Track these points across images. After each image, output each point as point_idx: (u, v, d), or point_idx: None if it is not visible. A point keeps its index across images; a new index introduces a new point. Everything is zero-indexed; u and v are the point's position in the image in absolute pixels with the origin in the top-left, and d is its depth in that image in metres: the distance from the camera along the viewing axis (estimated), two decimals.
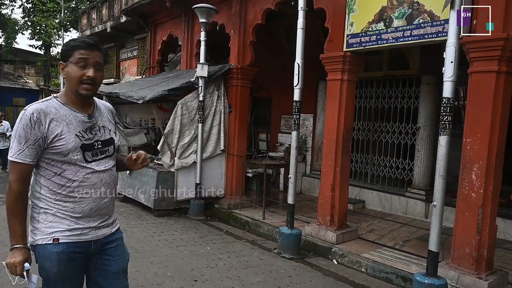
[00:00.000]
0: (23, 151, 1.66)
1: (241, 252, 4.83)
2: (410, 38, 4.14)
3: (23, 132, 1.65)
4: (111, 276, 1.90)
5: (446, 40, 3.26)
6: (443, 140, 3.28)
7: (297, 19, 4.57)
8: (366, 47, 4.55)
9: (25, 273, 1.70)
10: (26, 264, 1.70)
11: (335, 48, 4.82)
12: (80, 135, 1.75)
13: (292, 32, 5.61)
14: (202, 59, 6.22)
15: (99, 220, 1.83)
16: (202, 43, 6.31)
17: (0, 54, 24.95)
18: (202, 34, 6.29)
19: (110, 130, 1.91)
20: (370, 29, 4.48)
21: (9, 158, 1.69)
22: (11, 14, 27.42)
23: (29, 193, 1.77)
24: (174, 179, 6.32)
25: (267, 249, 4.95)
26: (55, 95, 1.80)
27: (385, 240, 5.12)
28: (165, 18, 8.50)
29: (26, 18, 26.78)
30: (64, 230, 1.73)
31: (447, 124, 3.27)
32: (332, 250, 4.68)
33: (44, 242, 1.71)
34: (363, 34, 4.55)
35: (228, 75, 6.55)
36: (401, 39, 4.22)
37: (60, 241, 1.72)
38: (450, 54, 3.20)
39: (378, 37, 4.42)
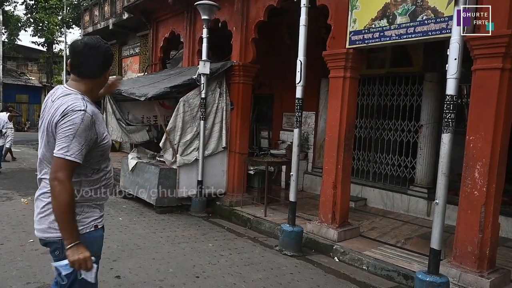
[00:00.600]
0: (81, 151, 1.73)
1: (243, 249, 4.84)
2: (413, 35, 4.11)
3: (85, 133, 1.73)
4: (100, 255, 2.08)
5: (450, 37, 3.24)
6: (446, 138, 3.27)
7: (300, 16, 4.55)
8: (369, 44, 4.53)
9: (94, 265, 1.77)
10: (93, 258, 1.76)
11: (338, 45, 4.80)
12: (107, 131, 1.93)
13: (294, 29, 5.58)
14: (204, 56, 6.21)
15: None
16: (204, 40, 6.30)
17: (3, 51, 25.00)
18: (204, 31, 6.28)
19: None
20: (373, 26, 4.46)
21: (67, 157, 1.68)
22: (13, 11, 27.50)
23: None
24: (176, 176, 6.33)
25: (268, 246, 4.96)
26: (78, 91, 1.81)
27: (386, 238, 5.11)
28: (167, 15, 8.49)
29: (29, 15, 26.86)
30: (97, 218, 1.92)
31: (450, 122, 3.25)
32: (334, 247, 4.67)
33: (88, 230, 1.86)
34: (366, 31, 4.53)
35: (230, 72, 6.54)
36: (404, 36, 4.19)
37: (98, 227, 1.92)
38: (454, 51, 3.17)
39: (381, 34, 4.39)
